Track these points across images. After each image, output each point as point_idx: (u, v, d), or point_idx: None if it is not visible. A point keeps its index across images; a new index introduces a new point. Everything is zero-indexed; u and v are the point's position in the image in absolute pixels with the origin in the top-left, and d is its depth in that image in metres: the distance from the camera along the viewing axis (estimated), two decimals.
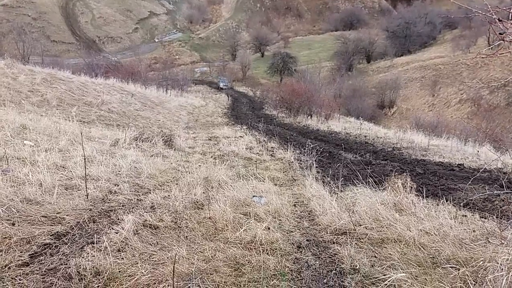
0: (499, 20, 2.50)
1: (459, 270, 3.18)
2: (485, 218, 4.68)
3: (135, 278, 2.92)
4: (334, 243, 3.92)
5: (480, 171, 8.24)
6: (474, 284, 2.96)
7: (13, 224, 3.47)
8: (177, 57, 76.39)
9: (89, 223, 3.80)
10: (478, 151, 12.66)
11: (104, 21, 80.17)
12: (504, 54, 2.93)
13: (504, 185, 4.53)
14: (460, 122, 29.51)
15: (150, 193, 5.02)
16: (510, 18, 2.62)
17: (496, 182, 7.43)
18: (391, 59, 61.18)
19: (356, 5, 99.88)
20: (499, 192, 4.14)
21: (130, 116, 16.94)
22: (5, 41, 50.20)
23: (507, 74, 37.52)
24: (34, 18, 70.66)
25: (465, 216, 4.79)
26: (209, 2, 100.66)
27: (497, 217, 4.52)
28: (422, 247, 3.71)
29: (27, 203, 3.97)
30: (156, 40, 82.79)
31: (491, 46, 2.75)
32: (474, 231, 4.10)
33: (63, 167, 5.46)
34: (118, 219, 3.94)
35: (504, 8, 2.77)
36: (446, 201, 5.12)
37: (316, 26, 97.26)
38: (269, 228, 4.06)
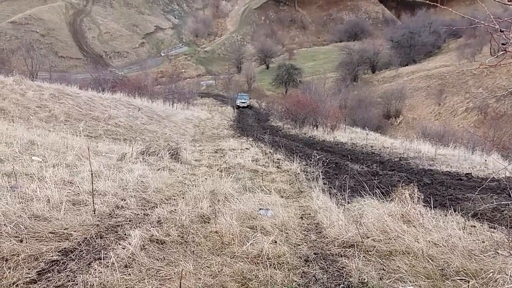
0: (501, 31, 2.51)
1: (468, 283, 3.14)
2: (494, 229, 4.63)
3: None
4: (342, 256, 3.90)
5: (488, 180, 8.16)
6: None
7: (21, 241, 3.49)
8: (183, 70, 77.02)
9: (96, 238, 3.81)
10: (485, 160, 12.55)
11: (111, 36, 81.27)
12: (507, 64, 2.93)
13: (510, 193, 4.48)
14: (467, 130, 29.31)
15: (156, 207, 5.03)
16: None
17: (504, 191, 7.35)
18: (396, 68, 61.20)
19: (360, 16, 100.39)
20: (508, 202, 4.10)
21: (137, 130, 17.06)
22: (14, 58, 50.95)
23: None
24: (42, 35, 71.82)
25: (474, 226, 4.73)
26: (214, 16, 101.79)
27: (506, 227, 4.47)
28: (430, 259, 3.67)
29: (35, 219, 3.99)
30: (162, 54, 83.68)
31: (494, 57, 2.75)
32: (483, 242, 4.05)
33: (70, 183, 5.50)
34: (125, 234, 3.95)
35: (506, 18, 2.78)
36: (454, 211, 5.07)
37: (320, 38, 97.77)
38: (276, 242, 4.04)
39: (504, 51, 2.64)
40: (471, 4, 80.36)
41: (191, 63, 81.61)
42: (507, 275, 2.97)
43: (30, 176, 5.40)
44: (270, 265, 3.56)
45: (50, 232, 3.76)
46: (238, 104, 40.12)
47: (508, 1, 2.78)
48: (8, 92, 15.03)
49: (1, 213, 3.82)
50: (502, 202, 4.86)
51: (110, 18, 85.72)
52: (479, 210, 5.59)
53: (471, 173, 10.60)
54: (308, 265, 3.66)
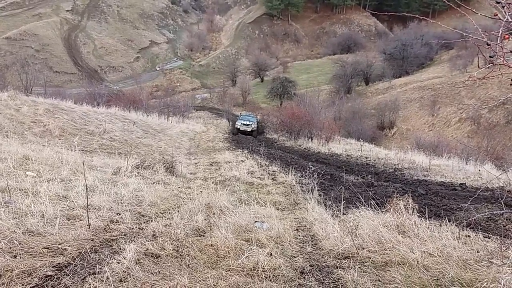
0: (488, 44, 2.58)
1: None
2: (489, 238, 4.66)
3: None
4: (337, 267, 3.90)
5: (480, 190, 8.22)
6: None
7: (15, 257, 3.47)
8: (178, 84, 77.31)
9: (91, 253, 3.79)
10: (479, 170, 12.64)
11: (106, 51, 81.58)
12: (496, 76, 3.00)
13: (503, 203, 4.54)
14: (461, 141, 29.51)
15: (151, 221, 5.02)
16: (498, 41, 2.70)
17: (498, 201, 7.40)
18: (389, 80, 61.79)
19: (353, 29, 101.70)
20: (500, 211, 4.15)
21: (132, 144, 17.03)
22: (9, 73, 50.91)
23: (505, 92, 37.86)
24: (37, 50, 71.96)
25: (469, 236, 4.77)
26: (209, 31, 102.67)
27: (500, 236, 4.50)
28: (426, 269, 3.68)
29: (29, 234, 3.97)
30: (157, 68, 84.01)
31: (482, 69, 2.82)
32: (478, 251, 4.07)
33: (65, 197, 5.47)
34: (120, 248, 3.94)
35: (493, 32, 2.86)
36: (449, 221, 5.10)
37: (314, 51, 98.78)
38: (271, 254, 4.04)
39: (492, 64, 2.71)
40: (461, 16, 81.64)
41: (186, 77, 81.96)
42: (500, 284, 2.99)
43: (24, 191, 5.38)
44: (266, 277, 3.55)
45: (44, 247, 3.74)
46: (238, 127, 29.13)
47: (494, 15, 2.86)
48: (2, 107, 15.00)
49: None
50: (495, 212, 4.90)
51: (105, 33, 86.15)
52: (473, 219, 5.62)
53: (465, 183, 10.67)
54: (304, 277, 3.66)
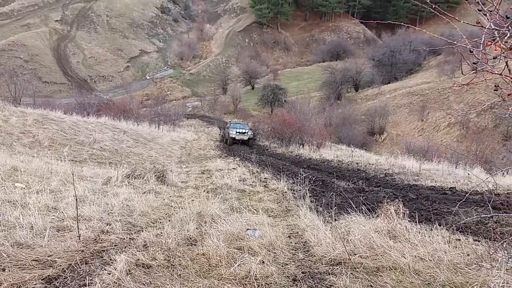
0: (470, 52, 2.63)
1: None
2: (479, 241, 4.70)
3: None
4: (329, 274, 3.90)
5: (468, 193, 8.31)
6: None
7: (3, 270, 3.42)
8: (168, 93, 77.14)
9: (81, 264, 3.75)
10: (469, 174, 12.78)
11: (95, 60, 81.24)
12: (481, 82, 3.05)
13: (491, 206, 4.60)
14: (450, 145, 29.83)
15: (142, 231, 4.98)
16: (482, 48, 2.76)
17: (487, 204, 7.48)
18: (378, 86, 62.30)
19: (341, 36, 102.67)
20: (487, 214, 4.20)
21: (122, 154, 16.92)
22: None
23: (492, 97, 38.39)
24: (26, 61, 71.39)
25: (459, 240, 4.81)
26: (199, 39, 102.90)
27: (490, 240, 4.55)
28: (417, 273, 3.71)
29: (18, 247, 3.92)
30: (148, 77, 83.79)
31: (467, 75, 2.87)
32: (468, 255, 4.11)
33: (54, 209, 5.42)
34: (111, 259, 3.90)
35: (477, 39, 2.91)
36: (440, 225, 5.14)
37: (304, 58, 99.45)
38: (263, 262, 4.03)
39: (475, 70, 2.76)
40: (448, 22, 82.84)
41: (176, 86, 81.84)
42: (489, 287, 3.02)
43: (13, 203, 5.31)
44: (258, 286, 3.54)
45: (34, 260, 3.69)
46: (233, 137, 25.93)
47: (477, 23, 2.93)
48: None
49: None
50: (482, 215, 4.96)
51: (95, 43, 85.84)
52: (464, 223, 5.67)
53: (455, 187, 10.77)
54: (296, 285, 3.66)
